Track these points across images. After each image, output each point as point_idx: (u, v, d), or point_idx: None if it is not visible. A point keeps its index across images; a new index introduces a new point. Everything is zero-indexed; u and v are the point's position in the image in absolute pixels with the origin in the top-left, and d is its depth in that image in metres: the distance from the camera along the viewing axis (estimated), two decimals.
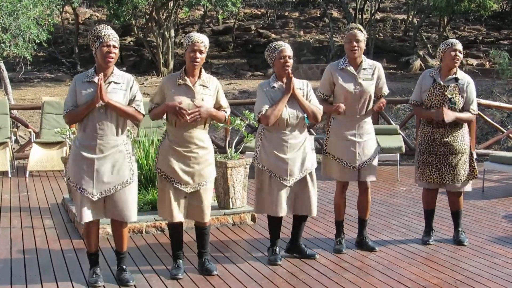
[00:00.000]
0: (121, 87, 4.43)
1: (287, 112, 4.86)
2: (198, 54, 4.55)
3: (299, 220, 5.15)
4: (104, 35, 4.33)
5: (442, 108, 5.28)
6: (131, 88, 4.48)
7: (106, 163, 4.40)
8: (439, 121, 5.32)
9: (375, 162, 5.34)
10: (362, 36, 5.16)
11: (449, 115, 5.26)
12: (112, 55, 4.35)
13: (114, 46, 4.36)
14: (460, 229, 5.67)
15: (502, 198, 7.59)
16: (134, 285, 4.54)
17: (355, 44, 5.13)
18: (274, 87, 4.95)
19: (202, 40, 4.57)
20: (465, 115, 5.38)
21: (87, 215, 4.40)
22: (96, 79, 4.35)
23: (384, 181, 8.68)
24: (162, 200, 4.71)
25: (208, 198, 4.76)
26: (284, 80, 4.93)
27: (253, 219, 6.36)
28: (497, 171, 8.83)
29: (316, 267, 4.96)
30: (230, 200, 6.33)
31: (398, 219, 6.53)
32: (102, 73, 4.35)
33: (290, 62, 4.90)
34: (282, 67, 4.89)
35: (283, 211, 4.93)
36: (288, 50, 4.90)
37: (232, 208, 6.33)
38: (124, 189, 4.46)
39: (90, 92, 4.35)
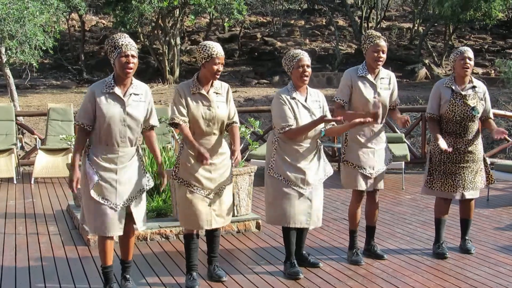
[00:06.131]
0: (141, 99, 4.36)
1: None
2: (221, 67, 4.57)
3: (300, 230, 5.10)
4: (122, 44, 4.20)
5: (446, 150, 5.17)
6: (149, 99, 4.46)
7: (127, 173, 4.35)
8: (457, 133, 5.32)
9: (384, 170, 5.34)
10: (386, 46, 5.16)
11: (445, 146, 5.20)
12: (131, 65, 4.22)
13: (132, 56, 4.22)
14: (467, 237, 5.64)
15: (507, 206, 7.57)
16: None
17: (381, 55, 5.10)
18: (294, 98, 4.87)
19: (223, 54, 4.56)
20: (492, 124, 5.43)
21: (110, 228, 4.29)
22: (117, 91, 4.26)
23: (389, 189, 8.66)
24: (185, 210, 4.62)
25: (227, 202, 4.75)
26: (301, 90, 4.88)
27: (258, 226, 6.36)
28: (502, 180, 8.79)
29: (320, 275, 4.95)
30: (235, 207, 6.33)
31: (402, 227, 6.51)
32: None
33: (309, 71, 4.83)
34: (300, 76, 4.81)
35: (301, 222, 4.85)
36: (307, 59, 4.82)
37: (236, 216, 6.33)
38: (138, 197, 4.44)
39: (111, 104, 4.24)
